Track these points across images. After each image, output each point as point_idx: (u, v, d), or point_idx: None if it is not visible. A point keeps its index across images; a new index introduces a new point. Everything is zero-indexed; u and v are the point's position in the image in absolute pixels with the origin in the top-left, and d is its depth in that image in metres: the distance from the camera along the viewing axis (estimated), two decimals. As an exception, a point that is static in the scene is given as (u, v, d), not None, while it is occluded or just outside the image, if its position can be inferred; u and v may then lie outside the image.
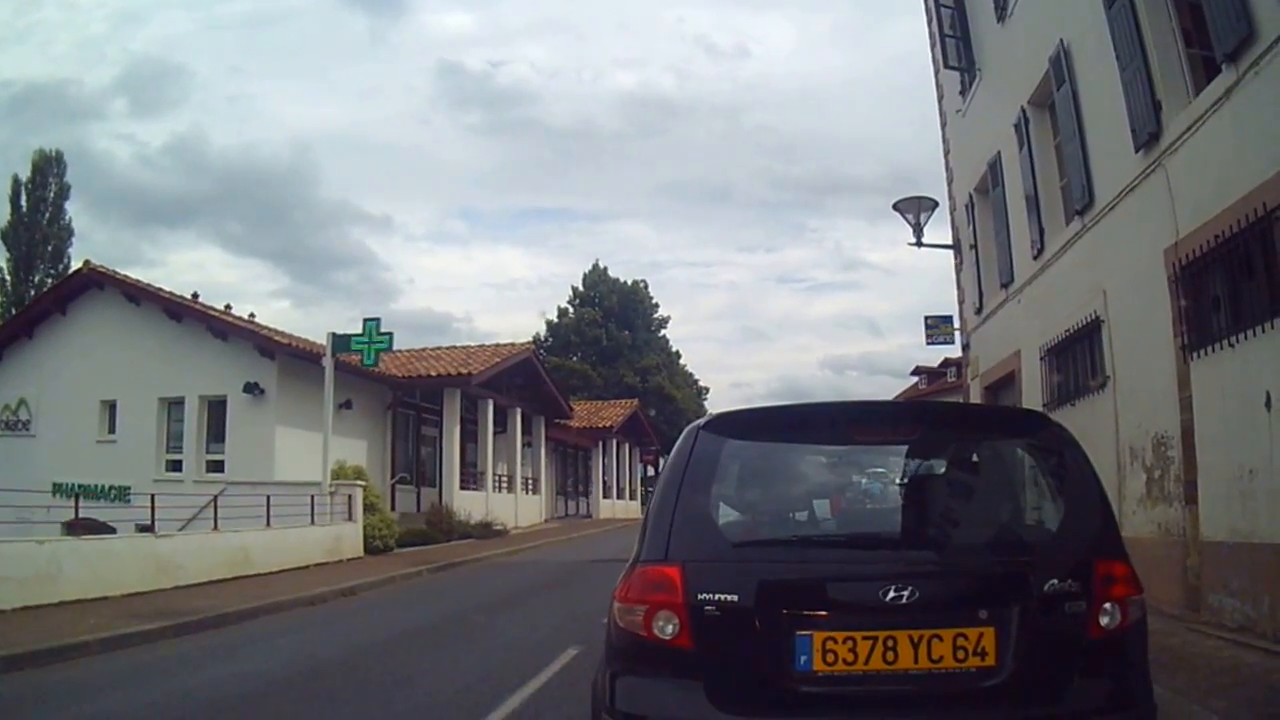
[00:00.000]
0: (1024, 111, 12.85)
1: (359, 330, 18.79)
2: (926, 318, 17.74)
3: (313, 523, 16.31)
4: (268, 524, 15.10)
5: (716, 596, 3.14)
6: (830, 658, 3.07)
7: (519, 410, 29.75)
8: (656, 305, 63.05)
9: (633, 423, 44.07)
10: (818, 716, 3.10)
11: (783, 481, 3.88)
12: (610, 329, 58.04)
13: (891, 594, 3.06)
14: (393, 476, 23.77)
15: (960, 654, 3.05)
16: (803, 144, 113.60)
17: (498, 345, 29.21)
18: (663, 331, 63.05)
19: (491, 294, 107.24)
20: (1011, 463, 3.92)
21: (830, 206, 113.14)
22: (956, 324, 17.58)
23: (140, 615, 10.26)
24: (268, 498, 15.20)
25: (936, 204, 16.29)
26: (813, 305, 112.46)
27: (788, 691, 3.08)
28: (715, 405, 70.36)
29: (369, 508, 18.38)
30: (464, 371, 24.53)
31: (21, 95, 69.00)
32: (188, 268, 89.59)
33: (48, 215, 45.40)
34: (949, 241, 17.43)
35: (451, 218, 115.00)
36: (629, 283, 62.18)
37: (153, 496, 13.49)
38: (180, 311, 20.85)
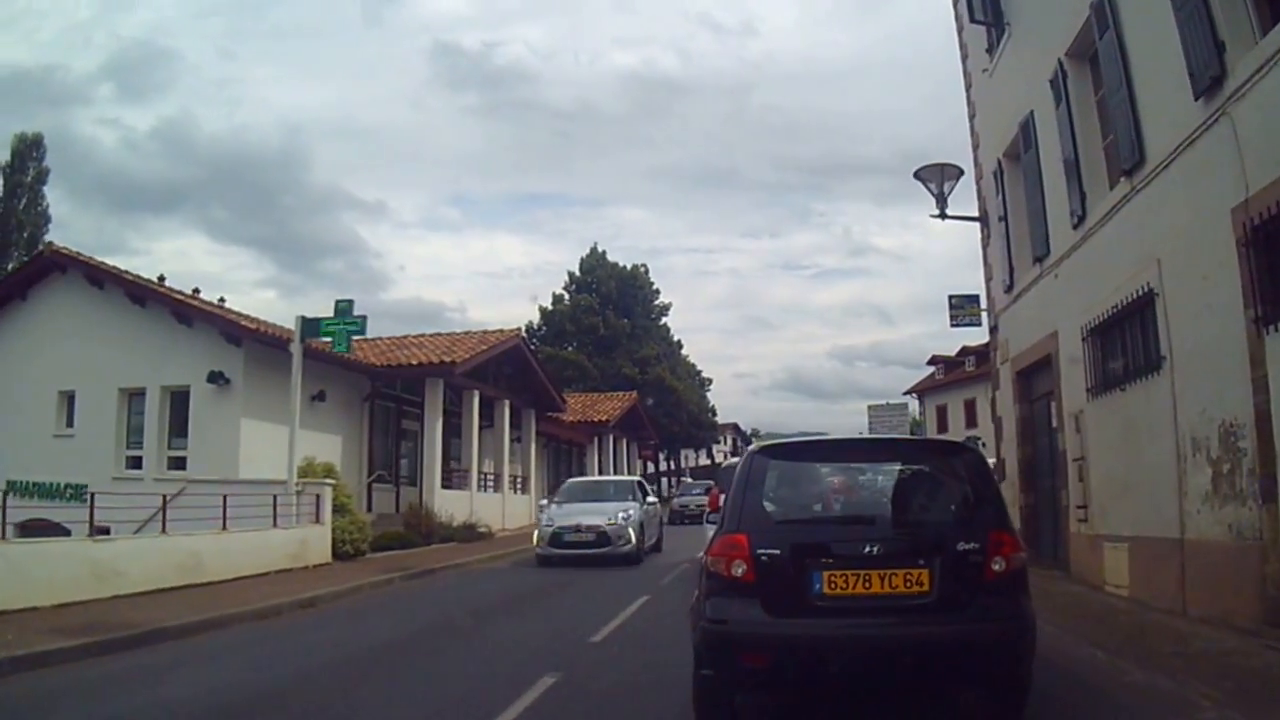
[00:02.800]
0: (1061, 65, 11.77)
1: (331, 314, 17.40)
2: (950, 297, 16.57)
3: (275, 525, 14.93)
4: (224, 526, 13.77)
5: (767, 551, 5.00)
6: (832, 586, 4.93)
7: (507, 402, 28.24)
8: (658, 291, 60.99)
9: (631, 416, 42.49)
10: (826, 618, 4.93)
11: (804, 485, 5.83)
12: (608, 317, 56.25)
13: (867, 549, 4.96)
14: (369, 474, 22.31)
15: (908, 584, 4.91)
16: (810, 123, 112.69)
17: (485, 332, 27.76)
18: (664, 319, 61.18)
19: (485, 282, 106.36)
20: (944, 473, 5.76)
21: (837, 189, 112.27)
22: (983, 304, 16.39)
23: (66, 630, 9.04)
24: (224, 497, 13.85)
25: (961, 172, 15.11)
26: (819, 293, 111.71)
27: (808, 605, 4.93)
28: (719, 398, 69.28)
29: (339, 508, 16.95)
30: (447, 360, 23.05)
31: (7, 81, 67.82)
32: (171, 256, 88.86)
33: (24, 200, 44.18)
34: (973, 216, 16.33)
35: (444, 204, 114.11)
36: (628, 267, 60.14)
37: (91, 496, 12.23)
38: (144, 295, 19.41)
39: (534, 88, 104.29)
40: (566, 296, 58.08)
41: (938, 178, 14.93)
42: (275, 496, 14.96)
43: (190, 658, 8.56)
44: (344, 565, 16.07)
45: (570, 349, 54.75)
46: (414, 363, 23.35)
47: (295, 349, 16.61)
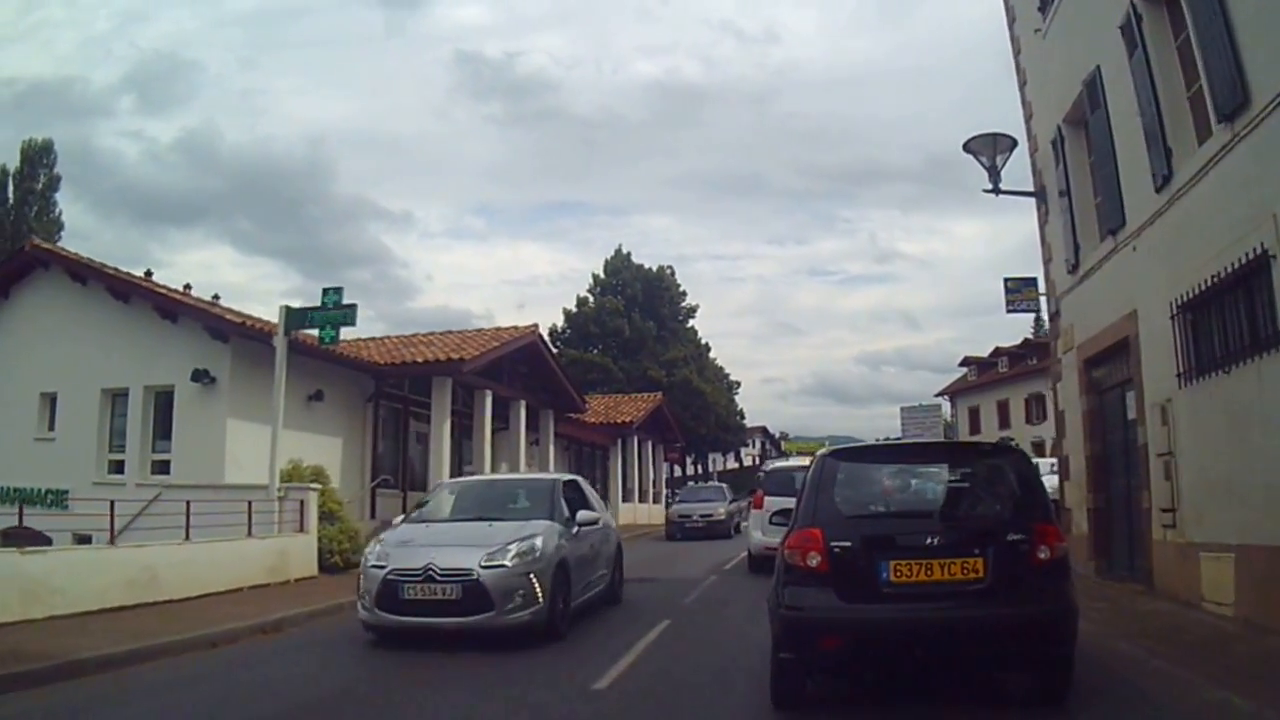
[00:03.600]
0: (1133, 8, 10.11)
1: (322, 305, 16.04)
2: (1006, 280, 14.81)
3: (250, 534, 13.42)
4: (187, 536, 12.32)
5: (839, 543, 5.67)
6: (898, 574, 5.56)
7: (523, 403, 26.67)
8: (684, 293, 59.98)
9: (656, 418, 40.72)
10: (893, 603, 5.56)
11: (870, 484, 6.57)
12: (634, 319, 54.94)
13: (929, 540, 5.62)
14: (373, 479, 20.87)
15: (965, 572, 5.53)
16: (834, 130, 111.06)
17: (497, 329, 26.28)
18: (691, 322, 59.88)
19: (511, 290, 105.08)
20: (993, 472, 6.56)
21: (863, 196, 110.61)
22: (1041, 289, 14.68)
23: (-33, 662, 7.57)
24: (187, 504, 12.41)
25: (1015, 142, 13.53)
26: (846, 298, 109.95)
27: (876, 591, 5.56)
28: (747, 402, 67.72)
29: (327, 516, 15.52)
30: (455, 357, 21.55)
31: (26, 93, 67.64)
32: (196, 268, 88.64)
33: (36, 208, 43.58)
34: (1029, 191, 14.69)
35: (470, 213, 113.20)
36: (654, 269, 59.12)
37: (20, 503, 10.83)
38: (127, 291, 18.10)
39: (557, 96, 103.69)
40: (591, 299, 56.77)
41: (989, 150, 13.38)
42: (250, 503, 13.45)
43: (106, 697, 7.13)
44: (330, 579, 14.52)
45: (595, 351, 53.36)
46: (420, 360, 21.88)
47: (279, 341, 15.22)
